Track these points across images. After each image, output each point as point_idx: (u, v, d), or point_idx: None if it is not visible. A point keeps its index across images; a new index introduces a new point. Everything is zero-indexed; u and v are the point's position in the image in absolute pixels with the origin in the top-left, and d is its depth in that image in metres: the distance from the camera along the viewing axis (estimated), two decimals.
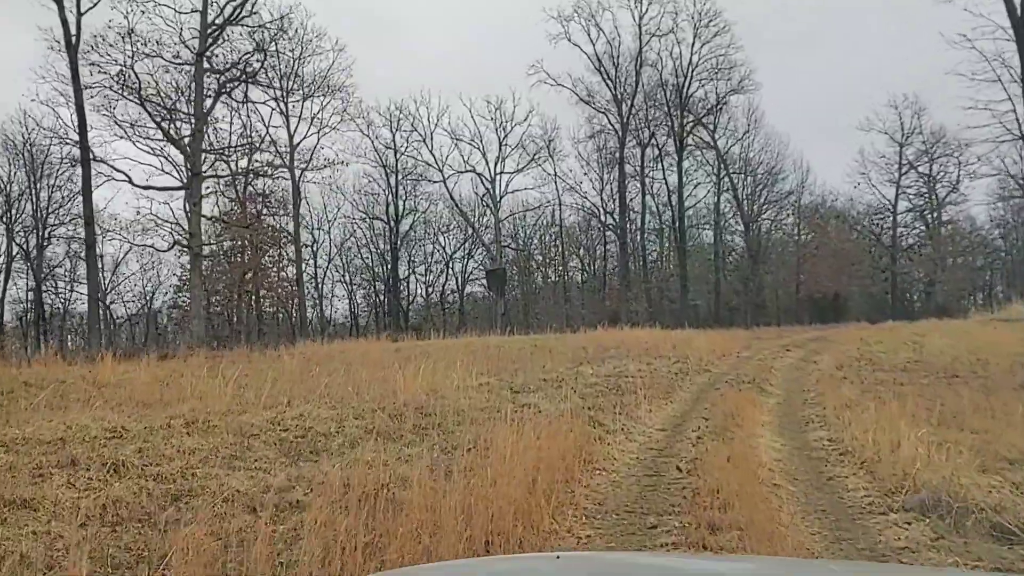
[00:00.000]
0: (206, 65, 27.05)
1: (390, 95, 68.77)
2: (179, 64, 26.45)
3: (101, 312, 60.36)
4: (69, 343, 51.89)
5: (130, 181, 26.82)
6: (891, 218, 56.59)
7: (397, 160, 53.21)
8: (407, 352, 22.01)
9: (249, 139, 30.13)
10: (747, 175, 51.64)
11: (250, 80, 27.67)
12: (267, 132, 41.67)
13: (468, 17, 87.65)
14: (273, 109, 42.55)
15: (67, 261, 54.51)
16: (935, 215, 55.88)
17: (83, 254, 47.51)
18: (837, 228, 54.19)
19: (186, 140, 26.69)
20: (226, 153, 29.63)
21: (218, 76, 27.49)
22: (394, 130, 52.26)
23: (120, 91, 25.34)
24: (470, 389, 13.69)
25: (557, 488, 7.21)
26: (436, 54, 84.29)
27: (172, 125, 26.71)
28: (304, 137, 43.13)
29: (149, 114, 26.05)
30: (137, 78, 25.43)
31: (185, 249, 26.63)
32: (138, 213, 28.69)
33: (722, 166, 50.14)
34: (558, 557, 2.98)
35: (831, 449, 9.77)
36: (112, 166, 26.74)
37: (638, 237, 53.20)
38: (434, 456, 8.16)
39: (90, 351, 22.07)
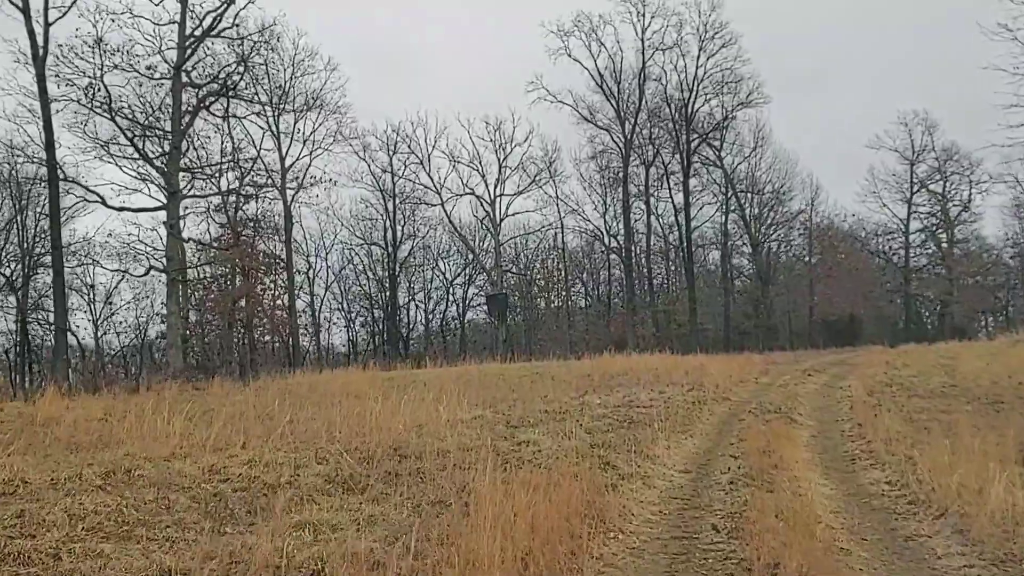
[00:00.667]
0: (185, 79, 25.58)
1: (388, 119, 67.35)
2: (155, 78, 24.98)
3: (95, 344, 59.04)
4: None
5: (103, 202, 25.21)
6: (903, 238, 54.93)
7: (395, 184, 51.77)
8: (398, 382, 20.27)
9: (231, 157, 28.58)
10: (754, 194, 50.00)
11: (231, 94, 26.14)
12: (258, 154, 40.32)
13: (467, 39, 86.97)
14: (264, 130, 41.30)
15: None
16: (949, 234, 54.16)
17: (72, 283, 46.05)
18: (849, 248, 52.46)
19: (164, 158, 25.10)
20: (205, 171, 28.00)
21: (197, 90, 25.98)
22: (391, 153, 50.87)
23: (89, 105, 23.87)
24: (461, 424, 11.95)
25: (560, 562, 5.46)
26: (435, 77, 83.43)
27: (147, 142, 25.15)
28: (296, 159, 41.77)
29: (121, 130, 24.47)
30: (107, 91, 23.93)
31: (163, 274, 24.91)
32: (110, 235, 27.20)
33: (729, 185, 48.54)
34: None
35: (895, 496, 8.00)
36: (84, 186, 25.29)
37: (643, 260, 51.49)
38: (403, 517, 6.41)
39: (58, 384, 20.32)
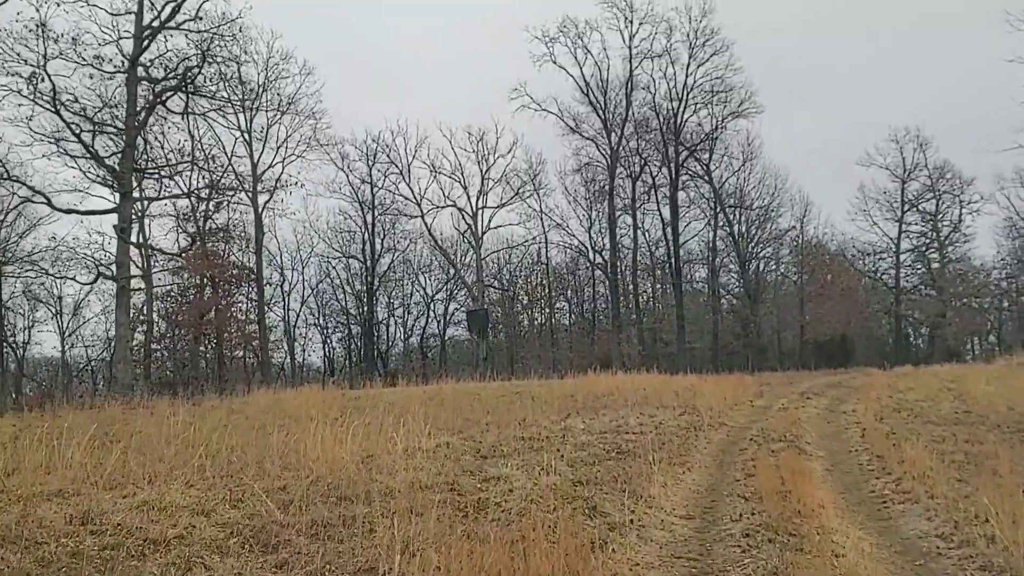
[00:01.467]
0: (142, 73, 23.74)
1: (368, 129, 65.69)
2: (107, 71, 22.98)
3: (62, 357, 56.55)
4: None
5: (49, 204, 23.24)
6: (894, 257, 53.69)
7: (374, 195, 50.00)
8: (362, 402, 18.46)
9: (189, 157, 26.69)
10: (743, 210, 48.53)
11: (190, 90, 24.28)
12: (229, 161, 38.53)
13: (449, 47, 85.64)
14: (237, 137, 39.54)
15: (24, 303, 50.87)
16: (941, 254, 52.95)
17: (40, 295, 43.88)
18: (840, 267, 51.08)
19: (116, 157, 23.19)
20: (160, 172, 26.09)
21: (153, 85, 24.12)
22: (370, 163, 49.10)
23: (32, 97, 21.90)
24: (422, 454, 10.21)
25: None
26: (418, 89, 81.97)
27: (100, 139, 23.20)
28: (269, 166, 39.95)
29: (67, 124, 22.48)
30: (52, 82, 22.07)
31: (115, 281, 22.94)
32: (53, 239, 25.24)
33: (717, 200, 47.05)
34: None
35: (959, 558, 6.33)
36: (29, 185, 23.31)
37: (629, 276, 49.86)
38: None
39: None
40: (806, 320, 44.83)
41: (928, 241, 53.59)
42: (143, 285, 35.51)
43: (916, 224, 53.46)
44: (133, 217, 38.39)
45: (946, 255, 52.78)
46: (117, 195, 23.20)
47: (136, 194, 29.88)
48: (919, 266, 54.72)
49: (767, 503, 8.07)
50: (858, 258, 54.59)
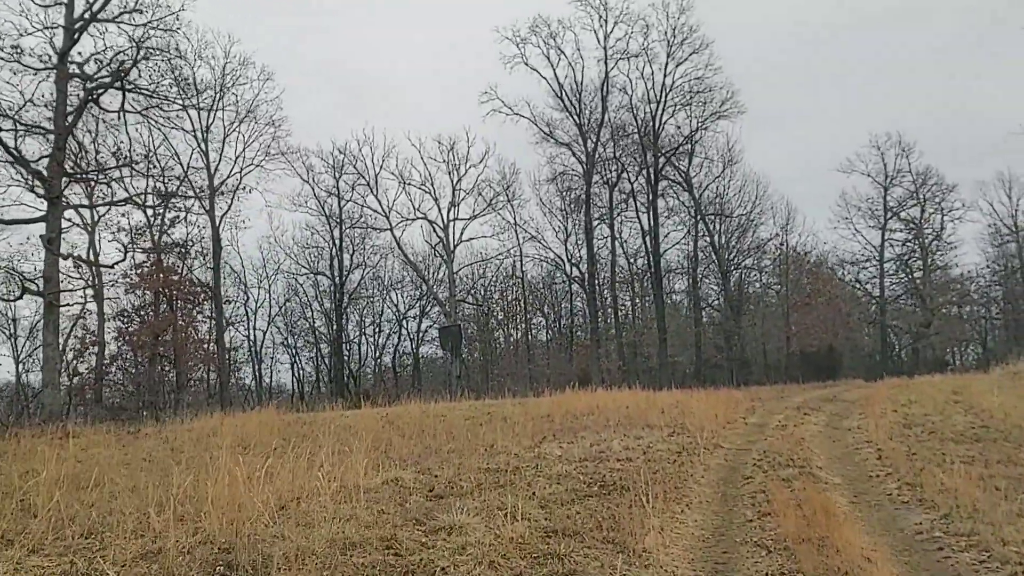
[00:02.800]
0: (75, 70, 21.66)
1: (334, 140, 63.35)
2: (32, 65, 20.78)
3: (16, 381, 53.79)
4: None
5: None
6: (877, 266, 52.32)
7: (341, 208, 47.93)
8: (310, 428, 16.42)
9: (128, 159, 24.49)
10: (723, 218, 46.91)
11: (126, 86, 22.14)
12: (186, 173, 36.42)
13: (418, 55, 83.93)
14: (194, 149, 37.44)
15: None
16: (925, 262, 51.70)
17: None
18: (825, 276, 49.59)
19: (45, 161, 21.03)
20: (94, 176, 23.88)
21: (85, 81, 22.01)
22: (337, 176, 47.05)
23: None
24: (360, 495, 8.26)
25: None
26: (385, 96, 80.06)
27: (27, 141, 21.10)
28: (227, 176, 37.79)
29: None
30: None
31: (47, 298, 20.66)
32: None
33: (696, 209, 45.43)
34: None
35: None
36: None
37: (607, 288, 48.00)
38: None
39: None
40: (792, 331, 43.22)
41: (912, 249, 52.39)
42: (93, 304, 33.24)
43: (900, 231, 52.26)
44: (89, 232, 36.43)
45: (931, 263, 51.56)
46: (45, 203, 21.04)
47: (94, 202, 27.90)
48: (902, 275, 53.51)
49: (799, 556, 6.22)
50: (841, 267, 53.29)
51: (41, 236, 21.02)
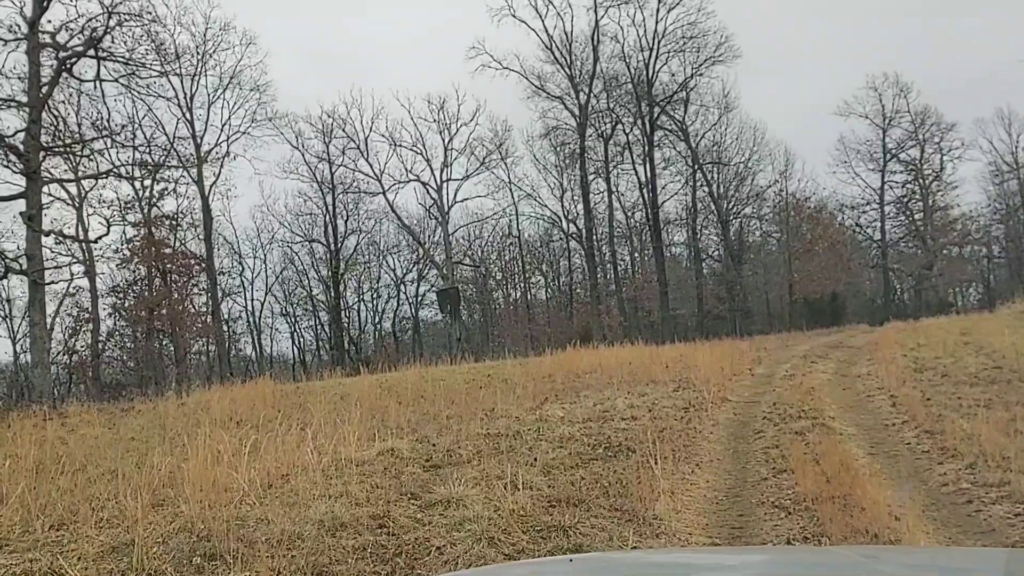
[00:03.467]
0: (47, 40, 20.91)
1: (322, 106, 61.94)
2: (3, 38, 20.02)
3: (14, 363, 53.48)
4: None
5: None
6: (877, 210, 51.66)
7: (332, 173, 47.12)
8: (306, 397, 16.00)
9: (107, 130, 23.88)
10: (721, 166, 46.14)
11: (100, 54, 21.38)
12: (172, 146, 35.67)
13: (405, 15, 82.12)
14: (179, 118, 36.64)
15: None
16: (926, 203, 51.03)
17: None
18: (826, 221, 48.92)
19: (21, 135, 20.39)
20: (71, 149, 23.20)
21: (57, 50, 21.24)
22: (327, 140, 46.15)
23: None
24: (353, 468, 7.84)
25: None
26: (374, 59, 78.45)
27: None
28: (213, 145, 37.05)
29: None
30: None
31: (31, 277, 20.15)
32: None
33: (693, 158, 44.64)
34: (571, 560, 2.86)
35: None
36: None
37: (606, 243, 47.42)
38: None
39: None
40: (794, 279, 42.72)
41: (912, 191, 51.72)
42: (85, 281, 32.76)
43: (899, 173, 51.53)
44: (76, 207, 35.83)
45: (932, 204, 50.92)
46: (24, 179, 20.44)
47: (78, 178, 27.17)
48: (903, 218, 52.90)
49: (821, 516, 5.79)
50: (841, 212, 52.63)
51: (21, 213, 20.48)
